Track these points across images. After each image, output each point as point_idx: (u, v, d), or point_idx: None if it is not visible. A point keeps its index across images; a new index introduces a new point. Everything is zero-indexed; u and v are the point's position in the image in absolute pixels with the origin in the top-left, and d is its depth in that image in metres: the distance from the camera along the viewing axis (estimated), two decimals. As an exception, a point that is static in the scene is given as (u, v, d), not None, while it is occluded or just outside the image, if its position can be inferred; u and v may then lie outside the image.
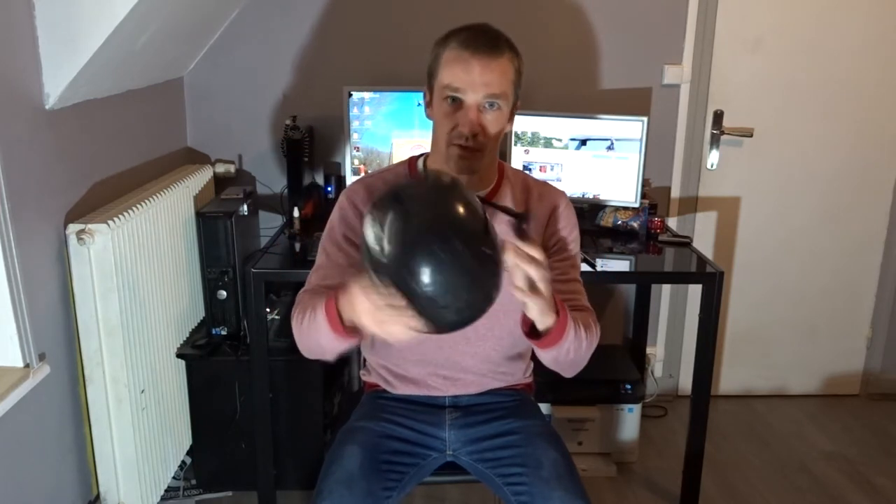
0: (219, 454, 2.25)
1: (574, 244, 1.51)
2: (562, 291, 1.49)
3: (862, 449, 2.60)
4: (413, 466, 1.48)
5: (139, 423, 1.87)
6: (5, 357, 1.54)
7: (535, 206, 1.48)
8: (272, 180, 2.58)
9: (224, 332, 2.18)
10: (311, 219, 2.36)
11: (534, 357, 1.59)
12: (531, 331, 1.28)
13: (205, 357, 2.16)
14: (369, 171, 2.33)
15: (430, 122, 1.42)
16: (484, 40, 1.35)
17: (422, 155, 1.52)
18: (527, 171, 2.28)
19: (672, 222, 2.69)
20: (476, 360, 1.53)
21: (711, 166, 2.68)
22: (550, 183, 1.56)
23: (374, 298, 1.07)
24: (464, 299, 1.06)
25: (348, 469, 1.37)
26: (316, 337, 1.27)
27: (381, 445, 1.46)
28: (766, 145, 2.68)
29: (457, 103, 1.35)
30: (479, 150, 1.36)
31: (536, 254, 1.13)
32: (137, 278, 1.85)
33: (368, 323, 1.11)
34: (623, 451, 2.45)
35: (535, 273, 1.14)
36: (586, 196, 2.39)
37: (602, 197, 2.38)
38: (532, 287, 1.15)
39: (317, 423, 2.23)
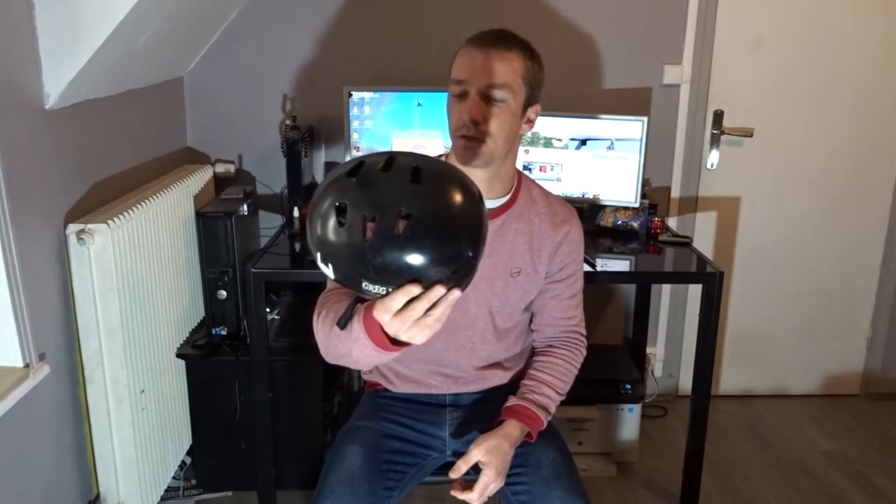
0: (219, 454, 2.25)
1: (580, 261, 1.56)
2: (564, 307, 1.56)
3: (862, 449, 2.60)
4: (413, 466, 1.48)
5: (139, 423, 1.87)
6: (5, 357, 1.54)
7: (546, 230, 1.51)
8: (272, 180, 2.58)
9: (224, 332, 2.18)
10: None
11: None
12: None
13: (205, 357, 2.16)
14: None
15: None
16: (494, 36, 1.36)
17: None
18: (527, 171, 2.29)
19: (672, 222, 2.69)
20: (476, 359, 1.53)
21: (711, 166, 2.68)
22: (562, 200, 1.58)
23: (392, 307, 0.97)
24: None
25: (350, 468, 1.37)
26: (347, 346, 1.13)
27: (381, 445, 1.46)
28: (766, 145, 2.68)
29: (463, 97, 1.35)
30: (480, 139, 1.36)
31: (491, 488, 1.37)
32: (137, 278, 1.85)
33: (412, 334, 1.01)
34: (623, 451, 2.45)
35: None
36: (586, 196, 2.39)
37: (602, 197, 2.38)
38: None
39: (317, 423, 2.23)
